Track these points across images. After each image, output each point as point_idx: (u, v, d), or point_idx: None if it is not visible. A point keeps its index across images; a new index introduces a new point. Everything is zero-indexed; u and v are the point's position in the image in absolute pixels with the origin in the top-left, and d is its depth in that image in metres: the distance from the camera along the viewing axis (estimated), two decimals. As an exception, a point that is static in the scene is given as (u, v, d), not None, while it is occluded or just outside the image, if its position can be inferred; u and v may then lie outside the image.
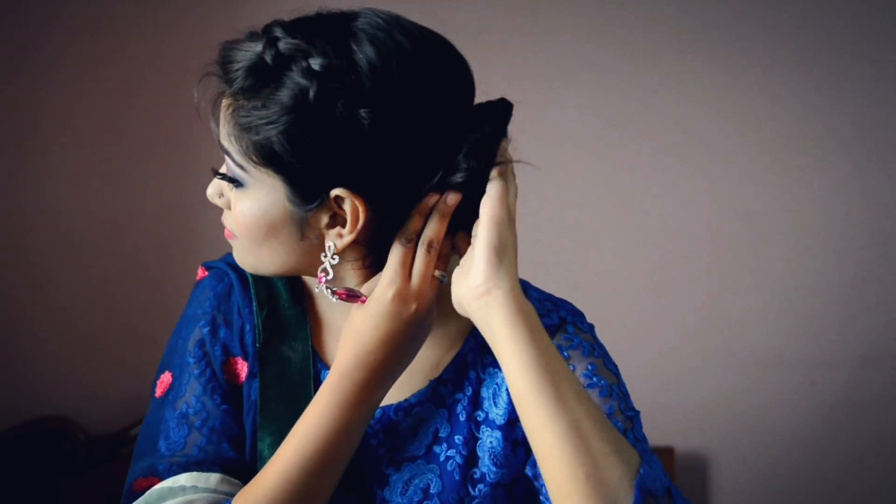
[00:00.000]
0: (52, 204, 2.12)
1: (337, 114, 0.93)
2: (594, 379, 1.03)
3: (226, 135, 0.98)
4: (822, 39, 2.10)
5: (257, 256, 1.03)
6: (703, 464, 2.18)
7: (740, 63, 2.12)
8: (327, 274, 1.01)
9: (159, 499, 1.02)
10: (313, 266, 1.02)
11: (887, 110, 2.11)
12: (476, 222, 0.98)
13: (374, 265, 1.03)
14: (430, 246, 1.01)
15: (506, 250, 0.97)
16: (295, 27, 0.96)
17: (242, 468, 1.06)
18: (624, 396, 1.04)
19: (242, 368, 1.10)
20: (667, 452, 2.10)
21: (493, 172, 0.98)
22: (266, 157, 0.96)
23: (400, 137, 0.95)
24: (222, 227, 1.06)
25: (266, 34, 0.97)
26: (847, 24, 2.10)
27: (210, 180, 1.04)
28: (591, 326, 1.11)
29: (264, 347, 1.09)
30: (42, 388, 2.12)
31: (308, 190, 0.97)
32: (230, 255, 1.14)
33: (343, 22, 0.96)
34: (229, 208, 1.03)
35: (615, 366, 1.08)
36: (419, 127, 0.96)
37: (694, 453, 2.17)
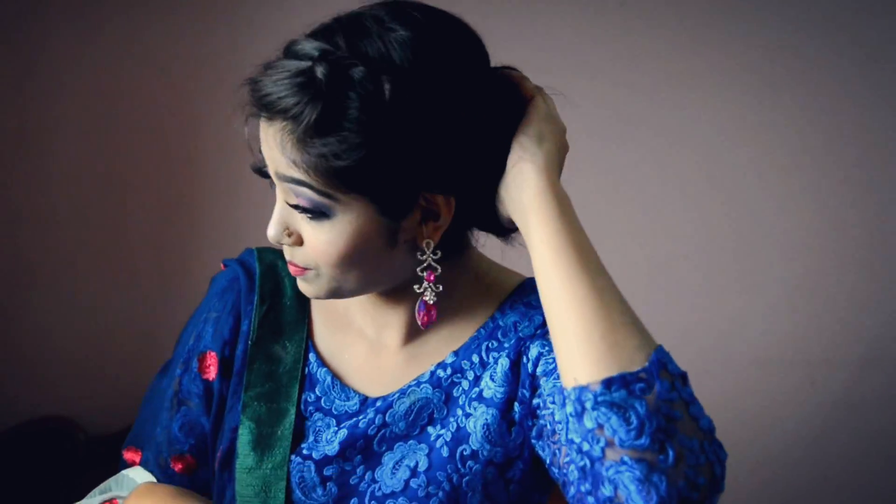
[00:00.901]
0: (52, 203, 2.12)
1: (411, 111, 0.90)
2: None
3: (295, 167, 0.92)
4: (821, 40, 2.10)
5: (344, 281, 1.00)
6: (703, 464, 2.18)
7: (740, 63, 2.12)
8: (435, 270, 1.00)
9: (115, 484, 1.09)
10: (399, 272, 1.02)
11: (887, 110, 2.11)
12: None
13: (446, 248, 1.02)
14: None
15: (543, 138, 0.98)
16: (329, 39, 0.92)
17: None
18: None
19: (213, 365, 1.10)
20: (667, 452, 2.10)
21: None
22: (352, 181, 0.92)
23: (467, 121, 0.94)
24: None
25: (300, 58, 0.91)
26: (847, 25, 2.10)
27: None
28: None
29: (255, 345, 1.09)
30: (42, 388, 2.12)
31: (399, 200, 0.95)
32: (247, 251, 1.15)
33: (374, 20, 0.94)
34: (300, 244, 0.99)
35: None
36: (479, 108, 0.96)
37: (694, 453, 2.17)
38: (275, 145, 0.93)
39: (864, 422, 2.15)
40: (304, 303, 1.12)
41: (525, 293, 1.11)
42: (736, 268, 2.16)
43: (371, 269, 0.99)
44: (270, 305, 1.10)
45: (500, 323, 1.09)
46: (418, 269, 1.00)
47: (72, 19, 2.09)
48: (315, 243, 0.97)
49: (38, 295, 2.13)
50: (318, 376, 1.09)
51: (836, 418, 2.16)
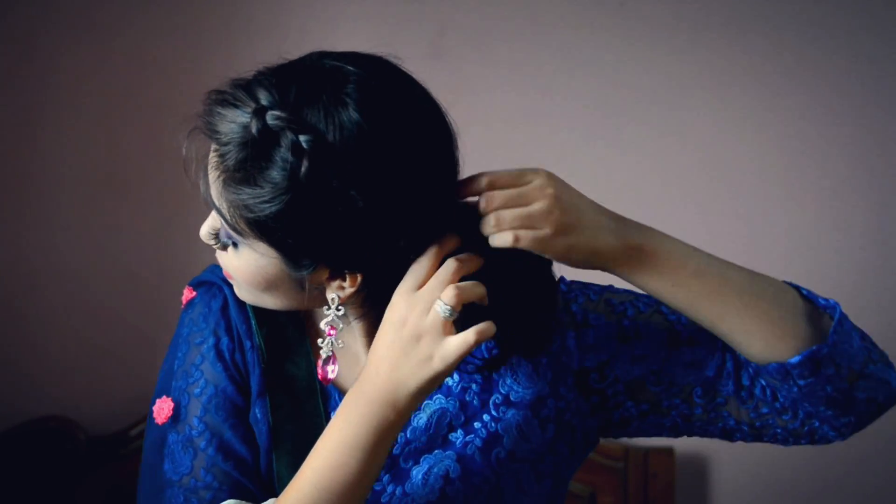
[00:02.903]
0: (53, 205, 2.12)
1: (329, 192, 0.90)
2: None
3: (219, 196, 0.95)
4: (821, 39, 2.10)
5: (259, 299, 1.02)
6: (703, 464, 2.18)
7: (740, 63, 2.12)
8: (337, 326, 0.99)
9: None
10: (317, 304, 1.01)
11: (887, 110, 2.11)
12: None
13: (374, 306, 1.00)
14: (463, 260, 0.96)
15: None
16: (284, 90, 0.92)
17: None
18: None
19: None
20: (667, 452, 2.09)
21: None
22: (259, 231, 0.94)
23: (391, 214, 0.92)
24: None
25: (252, 97, 0.92)
26: (847, 24, 2.09)
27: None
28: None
29: (270, 367, 1.07)
30: (42, 388, 2.12)
31: (302, 260, 0.95)
32: (215, 267, 1.12)
33: (334, 85, 0.92)
34: (225, 249, 1.01)
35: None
36: (410, 203, 0.93)
37: (694, 453, 2.17)
38: (211, 169, 0.96)
39: (864, 422, 2.15)
40: (298, 319, 1.10)
41: None
42: (736, 268, 2.16)
43: (283, 300, 1.01)
44: (270, 326, 1.09)
45: None
46: (322, 323, 0.99)
47: (72, 22, 2.09)
48: (228, 262, 1.01)
49: (38, 295, 2.13)
50: (329, 392, 1.08)
51: (836, 418, 2.15)
